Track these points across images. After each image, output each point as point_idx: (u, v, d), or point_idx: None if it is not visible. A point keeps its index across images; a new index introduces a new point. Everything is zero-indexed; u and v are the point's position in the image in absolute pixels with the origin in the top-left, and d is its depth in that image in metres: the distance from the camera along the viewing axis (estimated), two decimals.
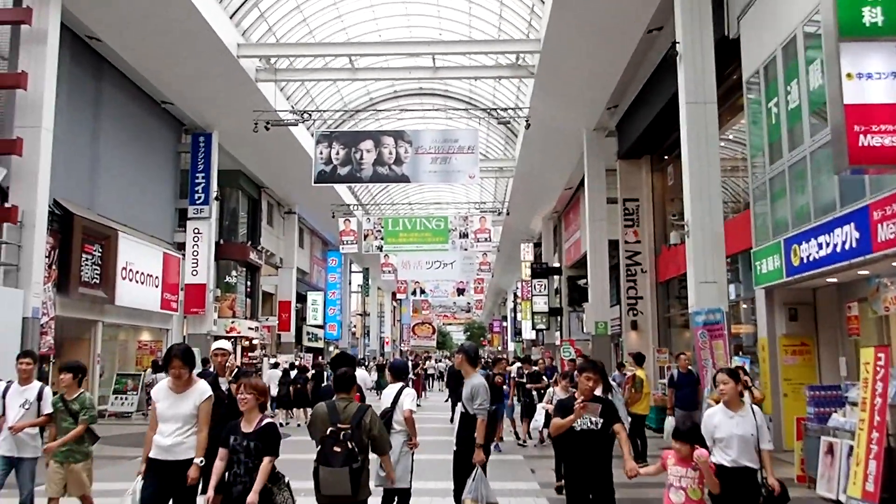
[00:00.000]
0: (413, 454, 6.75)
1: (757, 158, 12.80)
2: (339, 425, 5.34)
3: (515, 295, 51.00)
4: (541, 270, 35.97)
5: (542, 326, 36.37)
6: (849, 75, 7.60)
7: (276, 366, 23.84)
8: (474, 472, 6.50)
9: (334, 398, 5.68)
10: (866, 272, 9.98)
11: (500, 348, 69.33)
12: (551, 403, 9.93)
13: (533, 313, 36.50)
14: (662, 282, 21.88)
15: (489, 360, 16.79)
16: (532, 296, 36.46)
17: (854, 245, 8.98)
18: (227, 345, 7.94)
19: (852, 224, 9.03)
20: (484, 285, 54.10)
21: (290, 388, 20.04)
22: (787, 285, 11.47)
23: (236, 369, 7.78)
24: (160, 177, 23.60)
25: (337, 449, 5.22)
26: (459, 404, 7.16)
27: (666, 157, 21.73)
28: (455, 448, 7.00)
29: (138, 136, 21.85)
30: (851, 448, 8.11)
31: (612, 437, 5.58)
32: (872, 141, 7.39)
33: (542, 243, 38.66)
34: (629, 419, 11.06)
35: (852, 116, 7.45)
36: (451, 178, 22.01)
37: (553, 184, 30.40)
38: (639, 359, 12.92)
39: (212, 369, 7.77)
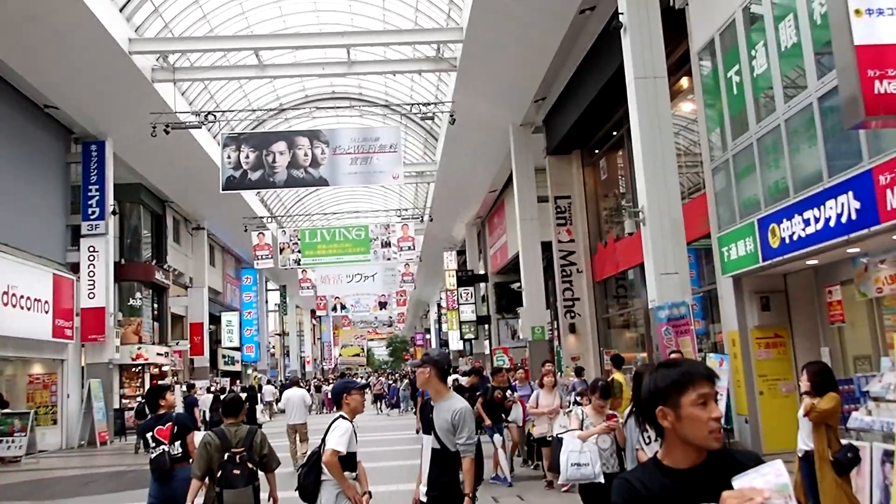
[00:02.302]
0: None
1: (713, 135, 11.70)
2: (233, 450, 5.56)
3: (439, 305, 49.65)
4: (467, 278, 34.91)
5: (471, 336, 35.16)
6: (857, 11, 6.43)
7: (208, 390, 21.98)
8: None
9: (222, 425, 5.83)
10: (856, 250, 8.89)
11: None
12: (582, 425, 6.50)
13: (460, 323, 35.25)
14: (599, 281, 20.86)
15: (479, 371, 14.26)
16: (458, 305, 35.26)
17: (853, 217, 7.84)
18: None
19: (850, 193, 7.89)
20: (406, 297, 52.52)
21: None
22: (761, 271, 10.35)
23: None
24: (47, 190, 21.13)
25: (237, 472, 5.45)
26: (427, 438, 4.79)
27: (597, 151, 20.79)
28: (426, 496, 4.70)
29: (18, 145, 19.39)
30: (889, 452, 6.81)
31: None
32: (890, 87, 6.26)
33: (467, 250, 37.48)
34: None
35: (865, 59, 6.27)
36: (374, 179, 20.40)
37: (477, 185, 29.19)
38: (617, 361, 11.61)
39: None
